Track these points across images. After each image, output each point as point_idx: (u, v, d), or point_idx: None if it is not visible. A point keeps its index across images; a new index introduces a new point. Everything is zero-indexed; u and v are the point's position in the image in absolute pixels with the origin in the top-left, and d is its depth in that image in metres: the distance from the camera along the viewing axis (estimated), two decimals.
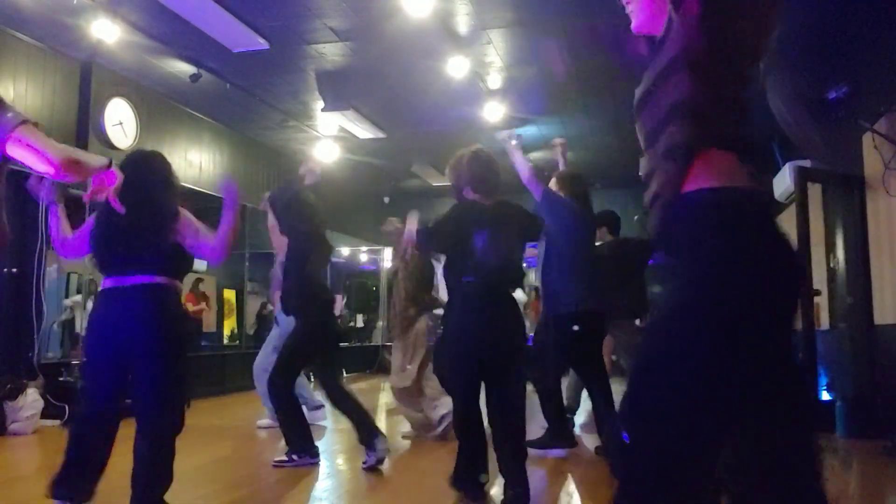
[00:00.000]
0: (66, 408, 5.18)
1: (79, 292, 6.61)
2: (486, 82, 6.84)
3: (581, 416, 5.27)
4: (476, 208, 3.04)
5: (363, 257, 13.33)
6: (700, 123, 1.35)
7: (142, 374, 2.53)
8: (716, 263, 1.28)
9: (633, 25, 1.53)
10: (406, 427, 4.99)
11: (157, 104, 7.22)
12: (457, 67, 6.20)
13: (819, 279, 5.85)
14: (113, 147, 6.52)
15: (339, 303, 5.11)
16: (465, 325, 3.01)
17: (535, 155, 9.38)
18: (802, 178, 5.37)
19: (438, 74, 6.44)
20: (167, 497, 2.60)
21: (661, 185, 1.39)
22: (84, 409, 2.61)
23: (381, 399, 7.40)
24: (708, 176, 1.34)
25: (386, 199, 12.34)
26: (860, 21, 5.06)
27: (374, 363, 11.50)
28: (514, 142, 3.71)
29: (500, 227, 3.00)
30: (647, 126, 1.45)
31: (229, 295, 9.66)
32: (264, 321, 9.38)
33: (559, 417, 4.22)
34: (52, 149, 1.80)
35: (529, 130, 8.37)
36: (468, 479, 3.06)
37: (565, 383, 4.70)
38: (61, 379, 5.51)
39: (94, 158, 2.11)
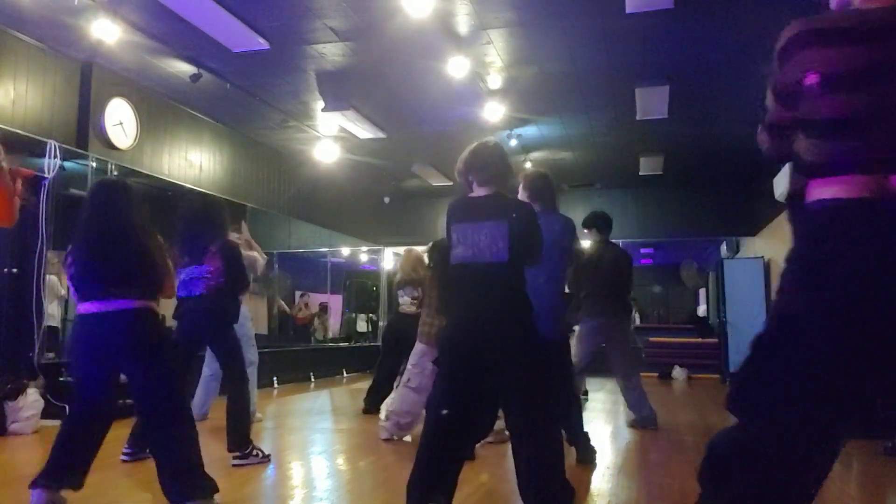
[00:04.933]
0: (67, 408, 5.17)
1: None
2: (486, 82, 6.84)
3: None
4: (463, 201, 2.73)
5: (363, 257, 13.33)
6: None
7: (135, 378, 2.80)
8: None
9: None
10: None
11: (157, 104, 7.22)
12: (457, 67, 6.19)
13: None
14: (113, 147, 6.53)
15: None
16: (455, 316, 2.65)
17: (536, 155, 9.39)
18: None
19: (438, 74, 6.44)
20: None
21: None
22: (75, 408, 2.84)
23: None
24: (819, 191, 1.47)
25: (386, 199, 12.35)
26: None
27: (374, 363, 11.48)
28: None
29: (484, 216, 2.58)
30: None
31: None
32: (272, 321, 9.47)
33: None
34: None
35: (529, 130, 8.38)
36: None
37: None
38: (61, 379, 5.49)
39: None
